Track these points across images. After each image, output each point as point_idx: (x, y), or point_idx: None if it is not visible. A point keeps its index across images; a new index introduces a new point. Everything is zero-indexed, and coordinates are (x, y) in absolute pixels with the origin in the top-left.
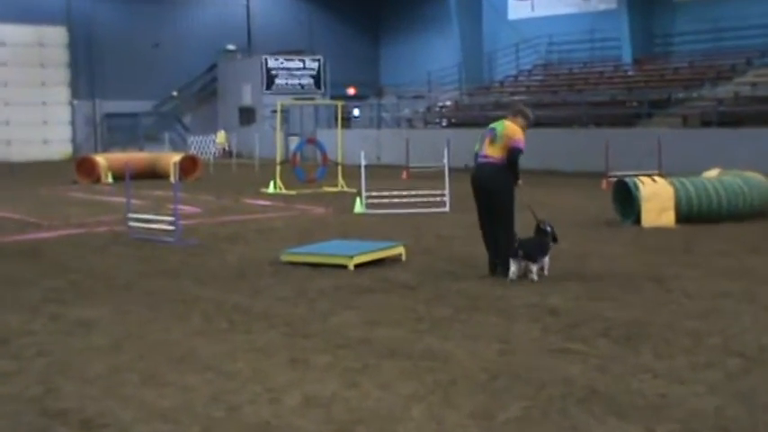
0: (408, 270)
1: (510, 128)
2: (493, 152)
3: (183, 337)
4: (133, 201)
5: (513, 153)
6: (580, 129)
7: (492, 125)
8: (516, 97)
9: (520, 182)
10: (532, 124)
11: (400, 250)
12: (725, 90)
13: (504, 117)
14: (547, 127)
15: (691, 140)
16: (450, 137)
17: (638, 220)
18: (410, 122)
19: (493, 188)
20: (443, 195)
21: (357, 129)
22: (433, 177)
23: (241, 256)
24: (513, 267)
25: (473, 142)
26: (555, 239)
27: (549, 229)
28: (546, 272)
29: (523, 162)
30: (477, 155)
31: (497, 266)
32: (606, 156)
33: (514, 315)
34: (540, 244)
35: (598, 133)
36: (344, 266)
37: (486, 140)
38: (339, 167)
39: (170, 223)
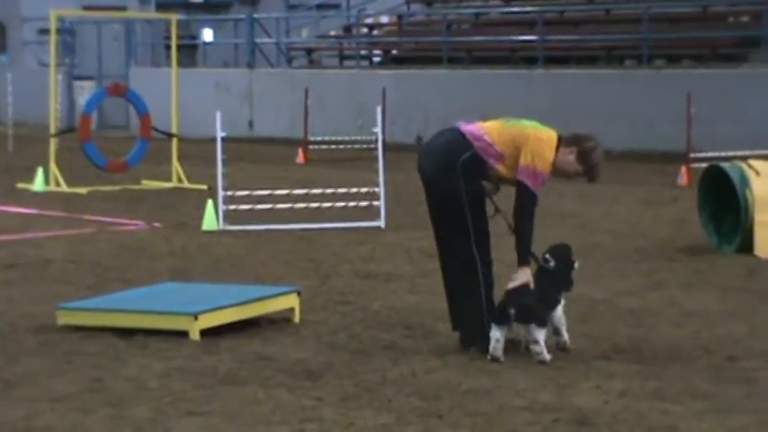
0: (306, 341)
1: (541, 142)
2: (484, 130)
3: None
4: None
5: (523, 194)
6: (639, 68)
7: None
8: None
9: (492, 210)
10: (587, 175)
11: (291, 303)
12: None
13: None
14: (576, 65)
15: None
16: (387, 84)
17: (747, 245)
18: (311, 56)
19: (434, 171)
20: (374, 197)
21: (209, 68)
22: (355, 162)
23: None
24: (496, 335)
25: (435, 98)
26: (567, 284)
27: (552, 264)
28: (568, 342)
29: None
30: None
31: (470, 332)
32: (688, 121)
33: (508, 428)
34: (545, 292)
35: (673, 77)
36: (183, 333)
37: (492, 121)
38: (174, 142)
39: None
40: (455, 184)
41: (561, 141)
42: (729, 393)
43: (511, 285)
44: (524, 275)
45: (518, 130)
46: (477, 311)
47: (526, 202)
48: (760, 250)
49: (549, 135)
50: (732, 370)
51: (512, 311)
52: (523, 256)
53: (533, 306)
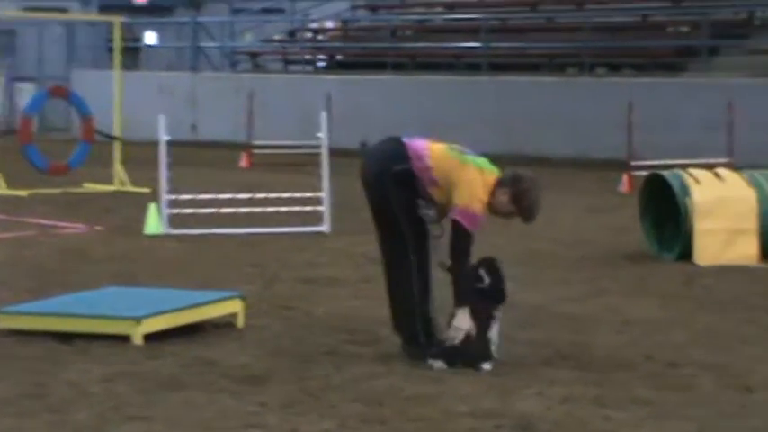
0: (250, 346)
1: (475, 183)
2: (427, 151)
3: None
4: None
5: (457, 233)
6: (580, 77)
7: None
8: (468, 16)
9: (439, 231)
10: (521, 216)
11: (234, 308)
12: None
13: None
14: (518, 73)
15: None
16: (332, 89)
17: (687, 253)
18: (255, 61)
19: (370, 177)
20: (318, 202)
21: (152, 71)
22: (300, 167)
23: None
24: (436, 365)
25: (379, 104)
26: (499, 296)
27: (487, 279)
28: (495, 353)
29: (479, 146)
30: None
31: (406, 337)
32: (629, 129)
33: None
34: (482, 312)
35: (614, 86)
36: (125, 337)
37: (439, 145)
38: (116, 146)
39: None
40: (387, 193)
41: (498, 182)
42: (669, 400)
43: (452, 335)
44: (464, 320)
45: (457, 165)
46: (411, 318)
47: (460, 241)
48: (699, 258)
49: (485, 175)
50: (672, 377)
51: (458, 363)
52: (461, 297)
53: (477, 356)
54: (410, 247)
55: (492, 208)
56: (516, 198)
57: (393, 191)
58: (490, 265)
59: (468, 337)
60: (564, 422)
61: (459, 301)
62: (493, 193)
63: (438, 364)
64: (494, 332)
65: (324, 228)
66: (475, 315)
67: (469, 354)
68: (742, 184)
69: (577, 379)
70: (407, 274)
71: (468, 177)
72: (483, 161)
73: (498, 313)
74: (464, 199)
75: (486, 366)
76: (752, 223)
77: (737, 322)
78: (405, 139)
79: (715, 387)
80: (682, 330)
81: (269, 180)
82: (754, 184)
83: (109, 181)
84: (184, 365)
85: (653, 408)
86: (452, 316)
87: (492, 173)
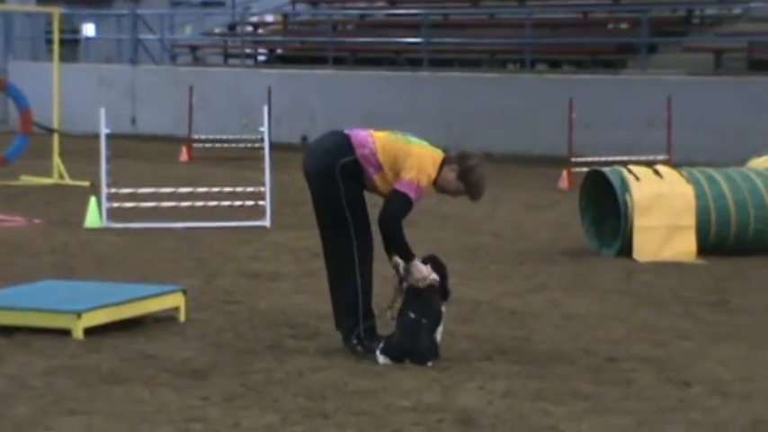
0: (191, 340)
1: (424, 158)
2: (371, 138)
3: None
4: None
5: (397, 199)
6: (521, 73)
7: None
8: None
9: (398, 260)
10: (468, 193)
11: (176, 302)
12: None
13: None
14: (459, 68)
15: (728, 98)
16: (273, 83)
17: (626, 249)
18: (195, 54)
19: (315, 172)
20: (259, 197)
21: (92, 63)
22: (240, 161)
23: None
24: (381, 360)
25: (320, 98)
26: (444, 293)
27: (434, 276)
28: (439, 350)
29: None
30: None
31: (352, 331)
32: (569, 125)
33: (393, 428)
34: (430, 309)
35: (555, 82)
36: (66, 331)
37: (382, 132)
38: (55, 138)
39: None
40: (334, 187)
41: (445, 160)
42: (609, 394)
43: (418, 278)
44: (423, 270)
45: (402, 146)
46: (353, 312)
47: (400, 205)
48: (638, 254)
49: (433, 154)
50: (611, 371)
51: (395, 353)
52: (408, 254)
53: (427, 354)
54: (353, 241)
55: (439, 186)
56: (463, 175)
57: (340, 184)
58: (434, 262)
59: (434, 280)
60: (505, 416)
61: (408, 257)
62: (440, 170)
63: (383, 359)
64: (439, 330)
65: (265, 222)
66: (427, 311)
67: (419, 352)
68: (680, 180)
69: (518, 373)
70: (350, 267)
71: (417, 152)
72: (427, 144)
73: (443, 309)
74: (413, 172)
75: (429, 362)
76: (690, 220)
77: (675, 317)
78: (347, 131)
79: (654, 381)
80: (621, 325)
81: (209, 174)
82: (693, 180)
83: (47, 174)
84: (125, 359)
85: (592, 402)
86: (401, 269)
87: (438, 153)
